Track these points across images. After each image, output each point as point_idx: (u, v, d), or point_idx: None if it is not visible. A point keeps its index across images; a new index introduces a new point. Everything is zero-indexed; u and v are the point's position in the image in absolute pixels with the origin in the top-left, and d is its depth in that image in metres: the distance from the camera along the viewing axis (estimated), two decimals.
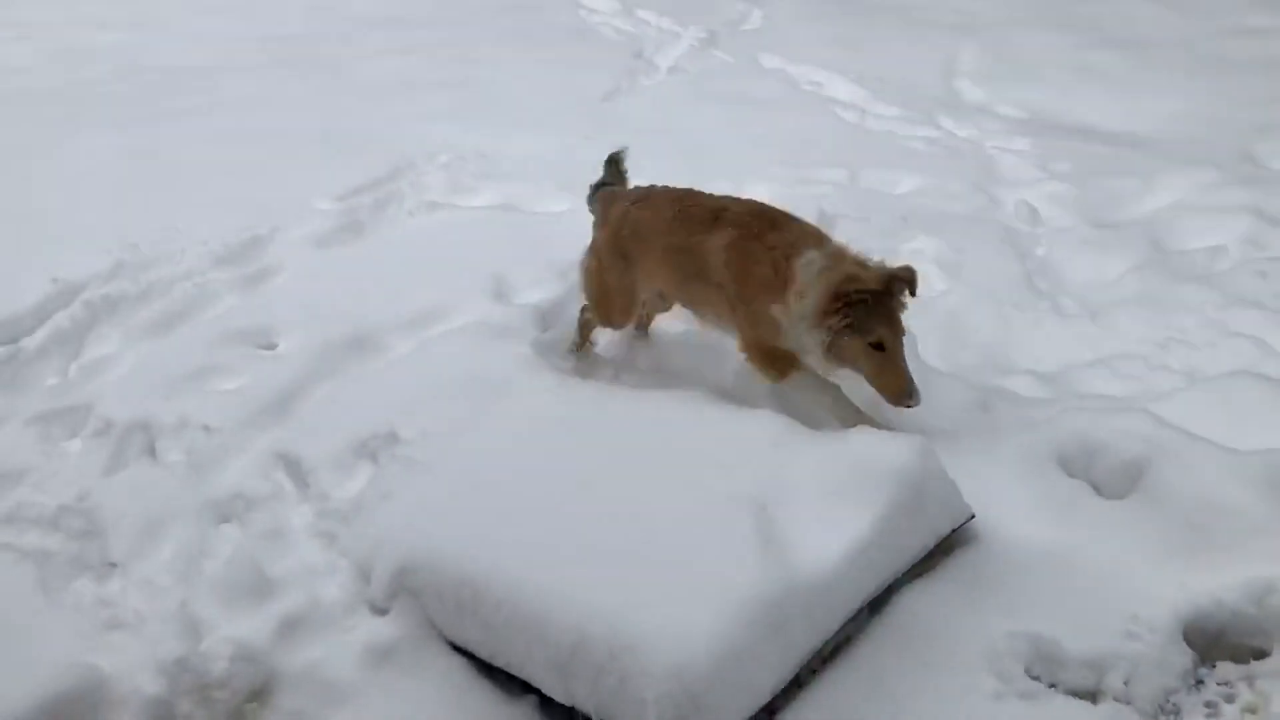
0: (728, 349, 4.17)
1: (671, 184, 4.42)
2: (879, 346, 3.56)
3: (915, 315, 4.79)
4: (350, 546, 3.51)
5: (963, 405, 4.04)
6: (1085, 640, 2.86)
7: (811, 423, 3.55)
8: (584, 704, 2.73)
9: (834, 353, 3.62)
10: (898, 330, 3.62)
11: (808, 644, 2.73)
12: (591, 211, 4.65)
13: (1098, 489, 3.39)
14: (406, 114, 7.94)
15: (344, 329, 4.79)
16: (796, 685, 2.75)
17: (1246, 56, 7.83)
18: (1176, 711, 2.73)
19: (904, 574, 3.02)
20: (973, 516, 3.19)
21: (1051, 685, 2.81)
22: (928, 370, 4.24)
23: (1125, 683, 2.79)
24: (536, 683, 2.86)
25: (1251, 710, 2.74)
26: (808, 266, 3.63)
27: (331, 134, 7.54)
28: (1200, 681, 2.82)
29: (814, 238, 3.82)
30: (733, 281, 3.87)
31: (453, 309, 4.97)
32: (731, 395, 3.99)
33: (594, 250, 4.50)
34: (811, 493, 2.98)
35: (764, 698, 2.61)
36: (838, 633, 2.84)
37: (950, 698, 2.73)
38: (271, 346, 4.86)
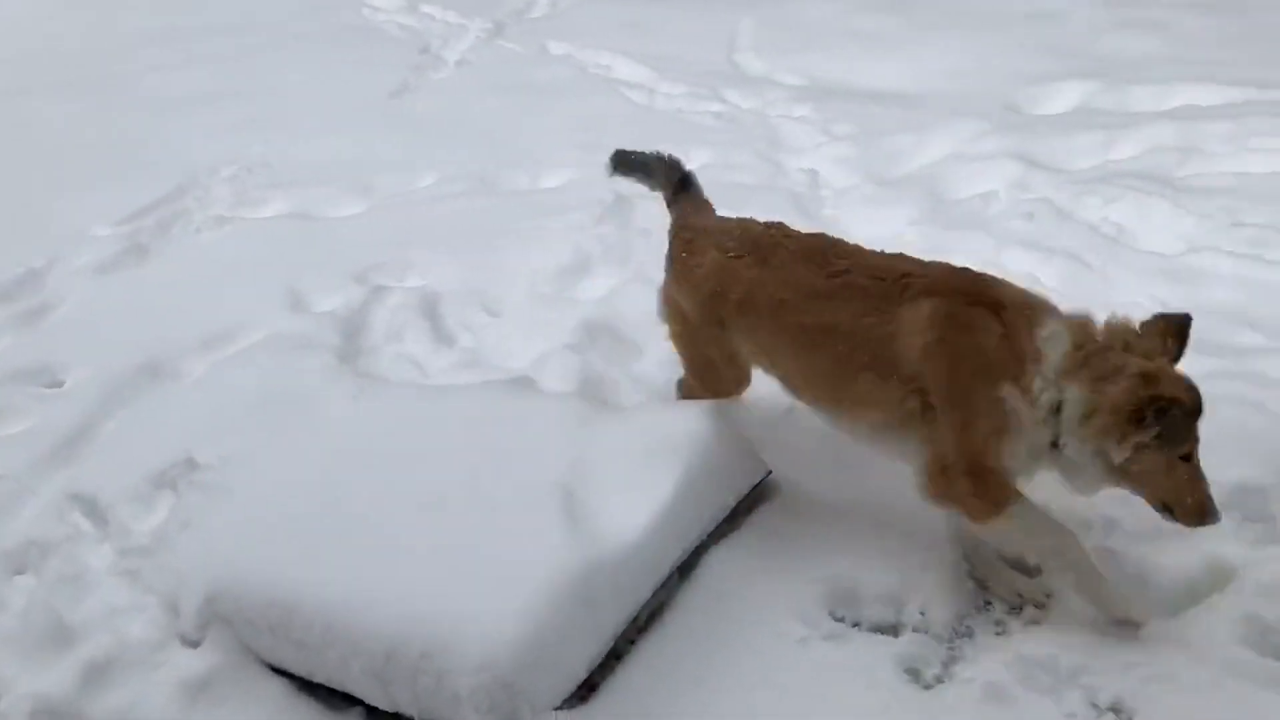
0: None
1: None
2: (1186, 458, 2.73)
3: None
4: (155, 581, 3.40)
5: None
6: (880, 578, 3.02)
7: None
8: (407, 708, 2.73)
9: (1132, 473, 2.74)
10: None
11: (620, 616, 2.79)
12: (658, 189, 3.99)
13: None
14: (188, 128, 7.65)
15: (134, 358, 4.61)
16: (615, 657, 2.82)
17: (1006, 10, 8.28)
18: (970, 633, 2.91)
19: (709, 535, 3.12)
20: (769, 473, 3.31)
21: (855, 624, 2.96)
22: None
23: (922, 613, 2.96)
24: (358, 693, 2.84)
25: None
26: (1051, 341, 2.77)
27: (110, 154, 7.20)
28: (988, 604, 3.01)
29: (1043, 303, 2.91)
30: (941, 371, 2.85)
31: (248, 326, 4.84)
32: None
33: (672, 306, 3.54)
34: (615, 467, 3.04)
35: (580, 675, 2.66)
36: (650, 601, 2.91)
37: (760, 649, 2.84)
38: (58, 384, 4.66)
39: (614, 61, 8.43)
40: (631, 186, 6.07)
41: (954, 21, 8.29)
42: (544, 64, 8.55)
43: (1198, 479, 2.73)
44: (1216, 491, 2.76)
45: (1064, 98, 6.93)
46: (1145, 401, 2.60)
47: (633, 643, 2.87)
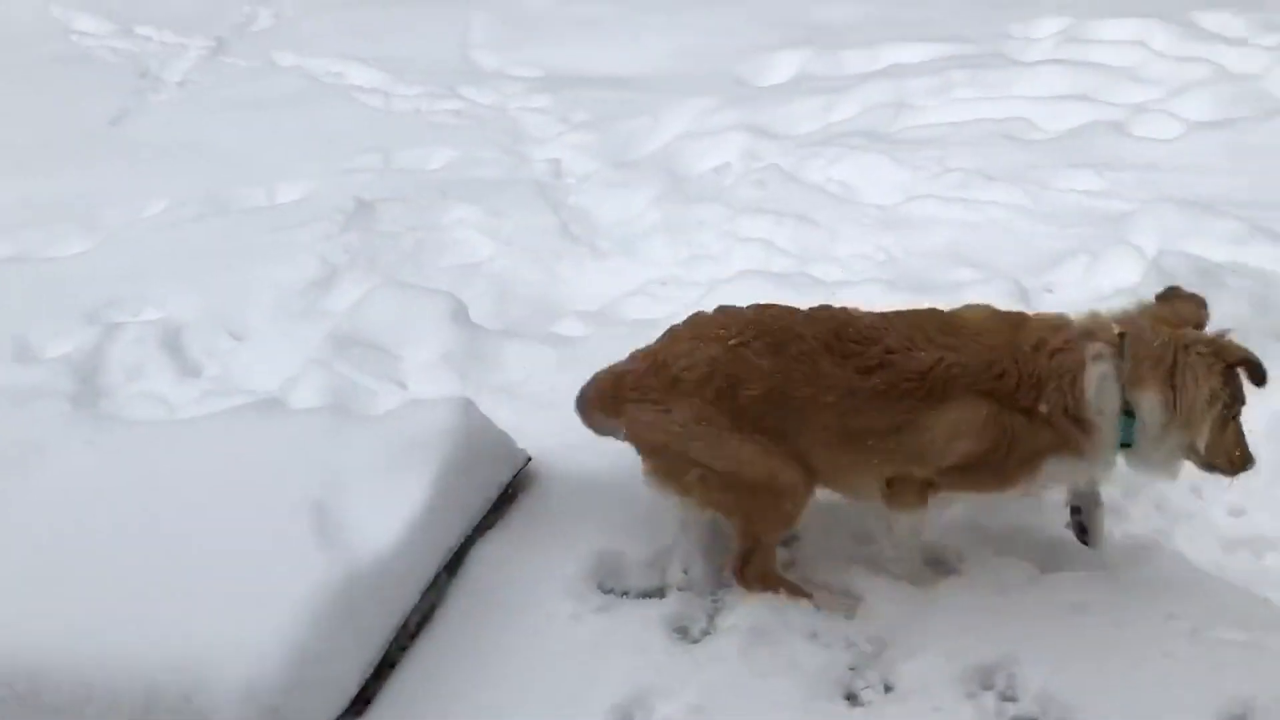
0: None
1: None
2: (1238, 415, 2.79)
3: (463, 282, 4.98)
4: None
5: (519, 358, 4.21)
6: (644, 545, 3.10)
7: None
8: None
9: (1218, 443, 2.74)
10: None
11: (387, 624, 2.76)
12: None
13: None
14: None
15: None
16: (388, 666, 2.79)
17: None
18: (730, 584, 3.03)
19: (475, 530, 3.12)
20: (529, 460, 3.34)
21: (624, 593, 3.03)
22: (485, 334, 4.40)
23: (685, 572, 3.06)
24: None
25: None
26: (1102, 384, 2.70)
27: None
28: None
29: (1073, 346, 2.75)
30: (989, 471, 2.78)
31: None
32: None
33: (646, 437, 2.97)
34: (368, 476, 3.00)
35: (352, 689, 2.62)
36: (419, 604, 2.89)
37: (534, 631, 2.87)
38: None
39: (346, 68, 8.24)
40: (373, 189, 6.03)
41: (681, 4, 8.52)
42: (272, 77, 8.27)
43: (1241, 430, 2.79)
44: None
45: (784, 67, 7.28)
46: (1224, 372, 2.66)
47: (405, 649, 2.85)
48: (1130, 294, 3.90)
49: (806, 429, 2.82)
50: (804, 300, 4.13)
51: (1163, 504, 3.22)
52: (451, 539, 3.02)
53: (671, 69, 7.48)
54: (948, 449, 2.75)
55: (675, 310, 4.56)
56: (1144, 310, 2.87)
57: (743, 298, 4.24)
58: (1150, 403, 2.70)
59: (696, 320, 2.99)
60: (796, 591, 2.92)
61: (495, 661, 2.81)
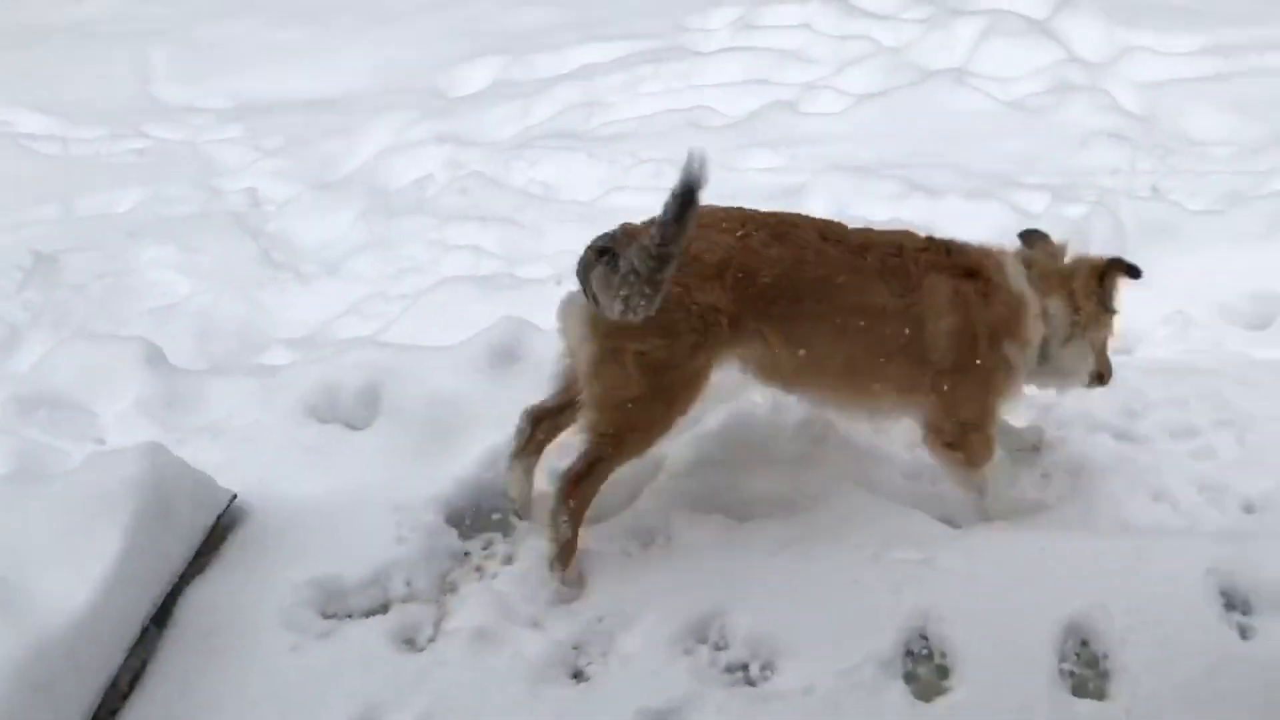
0: None
1: None
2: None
3: (161, 325, 4.76)
4: None
5: (221, 395, 4.07)
6: (363, 564, 3.08)
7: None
8: None
9: (1096, 346, 3.21)
10: None
11: (89, 690, 2.62)
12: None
13: (350, 425, 3.62)
14: None
15: None
16: None
17: (414, 3, 8.55)
18: (454, 588, 3.06)
19: (181, 577, 3.01)
20: (235, 497, 3.25)
21: (347, 615, 3.00)
22: (185, 375, 4.21)
23: (407, 583, 3.05)
24: None
25: None
26: (1025, 283, 3.06)
27: None
28: (467, 554, 3.18)
29: (994, 254, 3.11)
30: (965, 350, 2.97)
31: None
32: None
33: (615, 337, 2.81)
34: (50, 539, 2.83)
35: None
36: (127, 663, 2.76)
37: (255, 670, 2.79)
38: None
39: (14, 116, 7.68)
40: (53, 241, 5.66)
41: (370, 22, 8.42)
42: None
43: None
44: None
45: (480, 75, 7.34)
46: (1104, 264, 3.13)
47: (116, 712, 2.72)
48: None
49: (822, 315, 2.90)
50: (513, 302, 4.23)
51: (848, 444, 3.46)
52: (155, 590, 2.89)
53: (367, 87, 7.41)
54: (939, 332, 2.96)
55: (382, 325, 4.59)
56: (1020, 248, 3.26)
57: (453, 304, 4.34)
58: (1058, 306, 3.12)
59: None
60: (576, 527, 2.93)
61: (215, 706, 2.72)
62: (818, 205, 4.83)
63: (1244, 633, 2.65)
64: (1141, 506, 3.26)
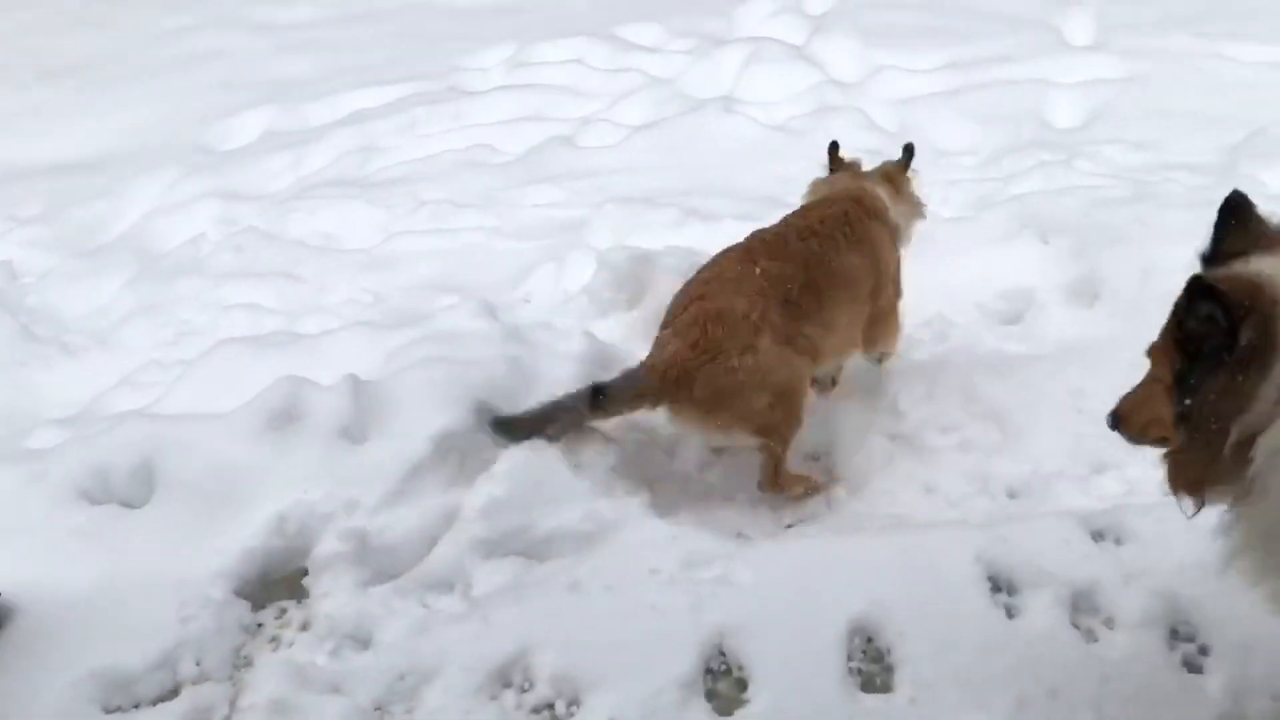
0: None
1: None
2: None
3: None
4: None
5: None
6: (148, 648, 2.93)
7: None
8: None
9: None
10: None
11: None
12: None
13: (126, 504, 3.44)
14: None
15: None
16: None
17: (172, 57, 8.26)
18: (248, 661, 2.95)
19: None
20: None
21: (134, 706, 2.85)
22: None
23: (198, 663, 2.93)
24: None
25: None
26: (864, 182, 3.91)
27: None
28: (260, 625, 3.08)
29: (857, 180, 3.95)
30: (889, 267, 3.82)
31: None
32: None
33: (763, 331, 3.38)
34: None
35: None
36: None
37: None
38: None
39: None
40: None
41: (127, 78, 8.07)
42: None
43: None
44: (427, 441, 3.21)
45: (250, 127, 7.15)
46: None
47: None
48: (588, 290, 4.30)
49: (834, 297, 3.56)
50: (295, 359, 4.12)
51: (640, 469, 3.53)
52: None
53: (129, 146, 7.09)
54: (890, 267, 3.81)
55: (159, 394, 4.38)
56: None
57: (231, 367, 4.18)
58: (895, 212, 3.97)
59: (710, 277, 3.48)
60: (813, 479, 3.57)
61: None
62: (599, 238, 4.93)
63: (1010, 612, 2.83)
64: (915, 501, 3.47)
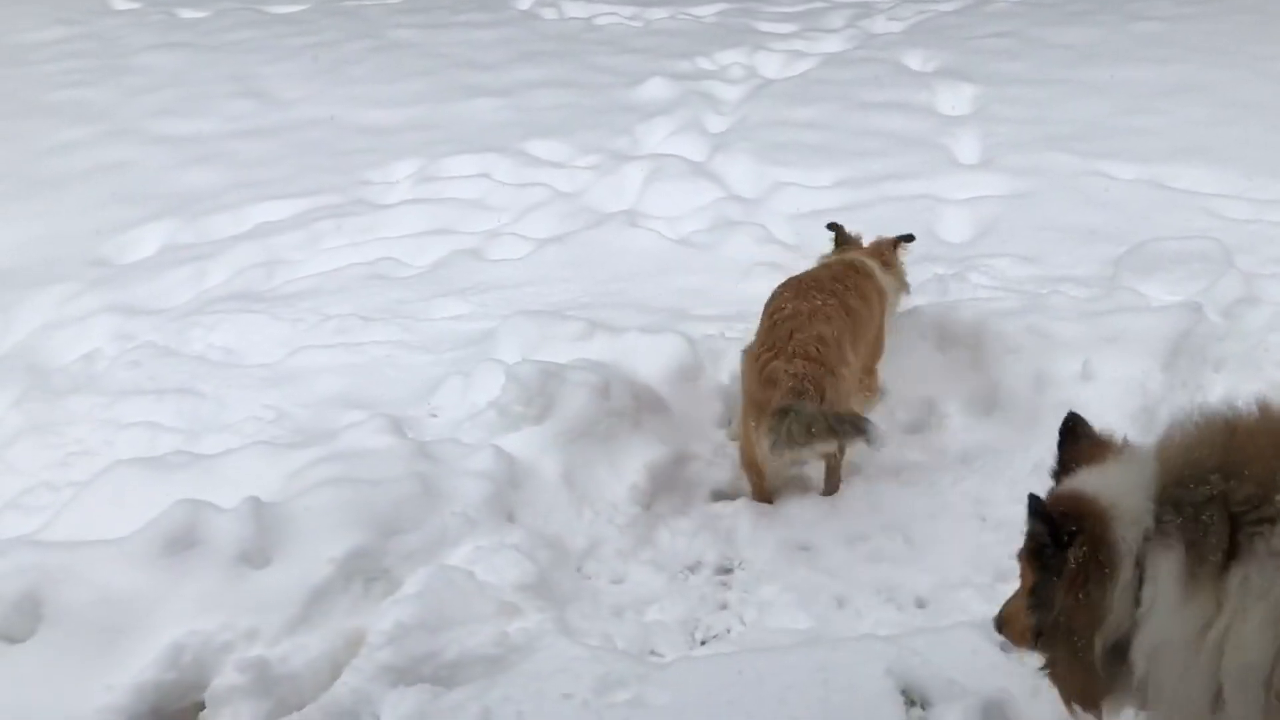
0: None
1: None
2: None
3: None
4: None
5: None
6: None
7: None
8: None
9: None
10: None
11: None
12: None
13: (9, 639, 3.27)
14: None
15: None
16: None
17: (71, 169, 8.07)
18: None
19: None
20: None
21: None
22: None
23: None
24: None
25: None
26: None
27: None
28: None
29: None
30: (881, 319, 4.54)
31: None
32: None
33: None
34: None
35: None
36: None
37: None
38: None
39: None
40: None
41: (21, 190, 7.86)
42: None
43: None
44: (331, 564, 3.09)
45: (150, 241, 7.01)
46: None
47: None
48: (497, 404, 4.28)
49: (856, 335, 4.15)
50: (193, 480, 4.00)
51: (549, 590, 3.48)
52: None
53: (21, 261, 6.86)
54: (879, 322, 4.45)
55: (47, 519, 4.20)
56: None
57: (116, 491, 4.04)
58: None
59: (793, 312, 3.99)
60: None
61: None
62: (507, 351, 4.92)
63: None
64: (827, 613, 3.48)
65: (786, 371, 3.71)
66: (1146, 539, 2.07)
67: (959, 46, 9.72)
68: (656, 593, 3.65)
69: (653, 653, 3.39)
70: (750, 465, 3.98)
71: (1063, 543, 2.12)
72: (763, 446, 3.66)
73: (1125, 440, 2.36)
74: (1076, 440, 2.37)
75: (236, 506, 3.46)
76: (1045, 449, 4.01)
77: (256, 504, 3.50)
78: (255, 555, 3.38)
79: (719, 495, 4.18)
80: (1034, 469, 4.06)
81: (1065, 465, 2.36)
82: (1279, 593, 1.91)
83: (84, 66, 10.32)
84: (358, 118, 8.78)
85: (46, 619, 3.25)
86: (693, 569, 3.76)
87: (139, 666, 3.09)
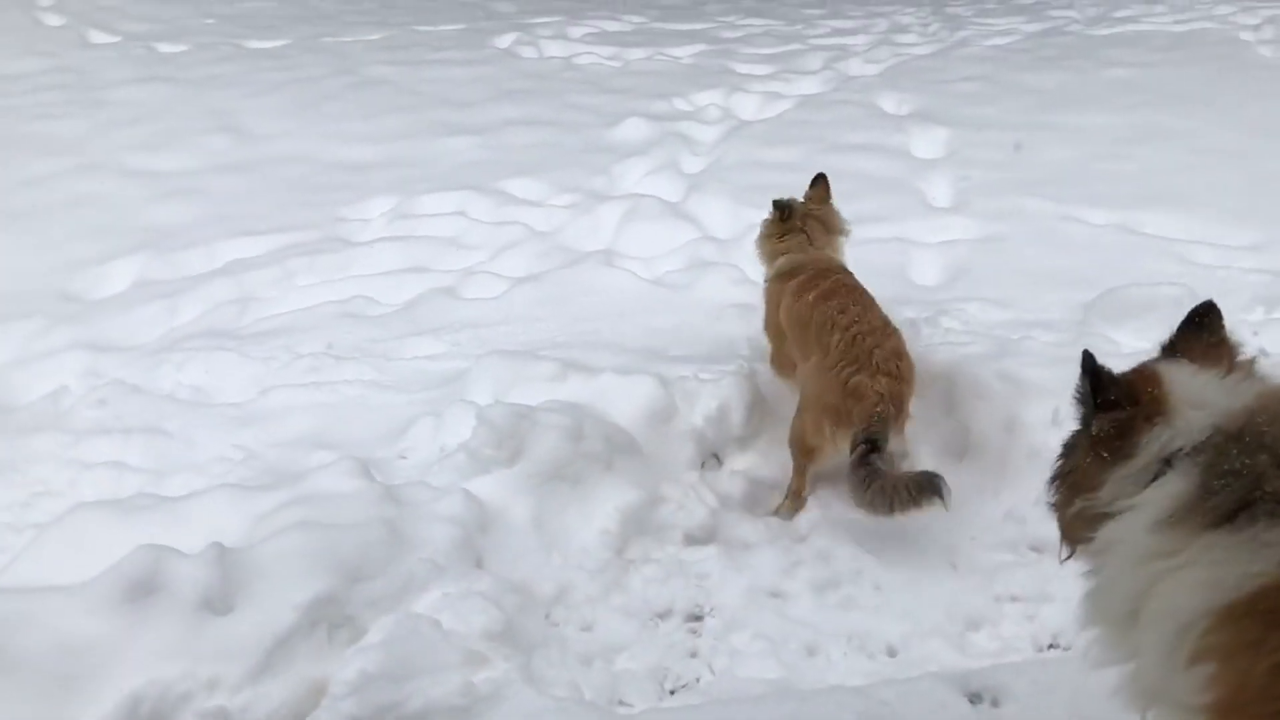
0: None
1: None
2: None
3: None
4: None
5: None
6: None
7: None
8: None
9: None
10: None
11: None
12: None
13: None
14: None
15: None
16: None
17: (44, 202, 8.02)
18: None
19: None
20: None
21: None
22: None
23: None
24: None
25: None
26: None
27: None
28: None
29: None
30: None
31: None
32: None
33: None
34: None
35: None
36: None
37: None
38: None
39: None
40: None
41: None
42: None
43: None
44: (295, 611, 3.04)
45: (120, 276, 6.95)
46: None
47: None
48: (467, 447, 4.25)
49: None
50: (157, 524, 3.94)
51: (516, 638, 3.44)
52: None
53: None
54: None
55: (5, 563, 4.12)
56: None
57: (76, 534, 3.96)
58: None
59: (868, 327, 4.24)
60: None
61: None
62: (480, 392, 4.89)
63: None
64: (797, 662, 3.45)
65: (873, 389, 4.03)
66: (1176, 453, 2.10)
67: (933, 90, 9.83)
68: (626, 640, 3.60)
69: (621, 703, 3.35)
70: (806, 452, 4.30)
71: (1099, 405, 2.19)
72: (833, 448, 4.14)
73: (1246, 359, 2.30)
74: (1199, 331, 2.33)
75: (200, 552, 3.41)
76: (1017, 496, 4.12)
77: (220, 549, 3.44)
78: (218, 601, 3.32)
79: (691, 539, 4.15)
80: (1005, 516, 4.09)
81: (1174, 347, 2.34)
82: (1232, 571, 1.92)
83: (59, 99, 10.29)
84: (334, 154, 8.78)
85: (1, 667, 3.17)
86: (663, 616, 3.73)
87: (96, 716, 3.02)
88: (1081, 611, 2.29)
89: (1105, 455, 2.19)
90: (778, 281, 4.82)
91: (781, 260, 4.89)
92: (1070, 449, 2.35)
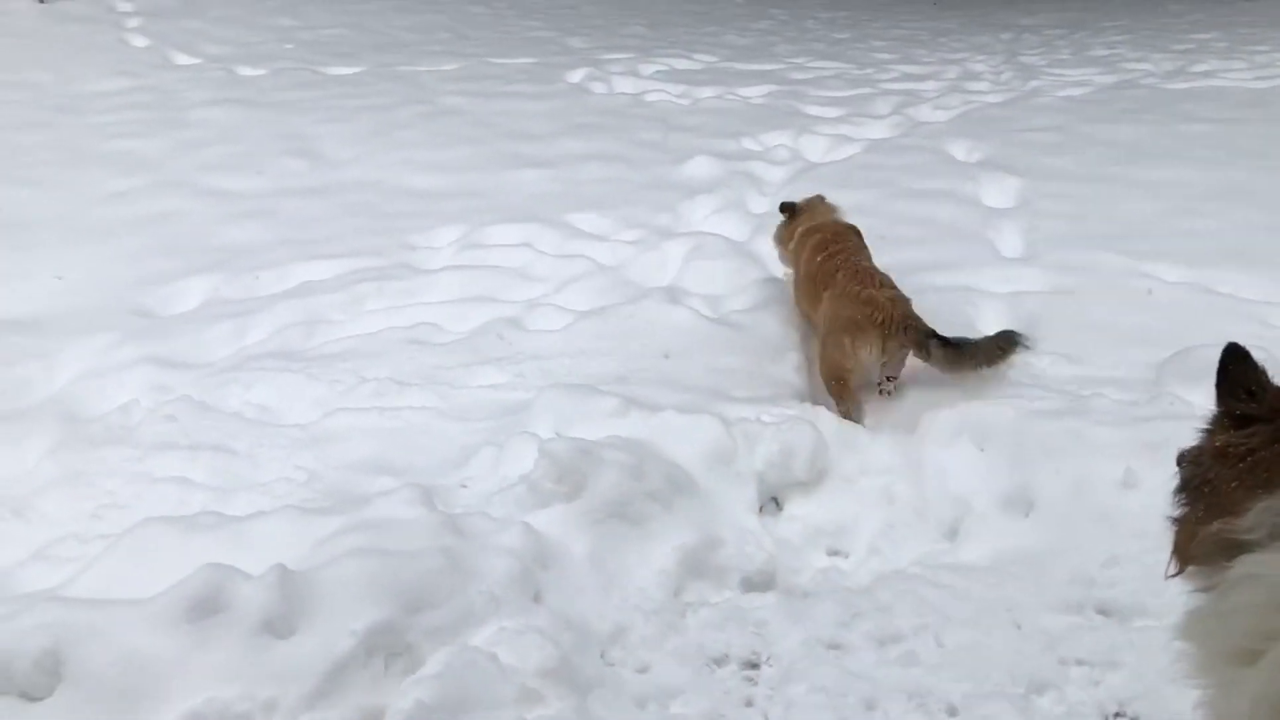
0: None
1: None
2: None
3: None
4: None
5: None
6: None
7: None
8: None
9: None
10: None
11: None
12: None
13: (28, 696, 3.24)
14: None
15: None
16: None
17: (117, 218, 8.22)
18: None
19: None
20: None
21: None
22: None
23: None
24: None
25: None
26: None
27: None
28: None
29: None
30: None
31: None
32: None
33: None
34: None
35: None
36: None
37: None
38: None
39: None
40: None
41: (69, 238, 7.98)
42: None
43: None
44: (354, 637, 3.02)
45: (192, 294, 7.08)
46: None
47: None
48: (528, 480, 4.25)
49: None
50: (221, 543, 3.97)
51: (573, 678, 3.41)
52: None
53: (65, 307, 6.95)
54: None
55: (75, 571, 4.18)
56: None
57: (144, 549, 4.02)
58: None
59: (875, 272, 5.39)
60: None
61: None
62: (541, 424, 4.90)
63: None
64: (855, 717, 3.38)
65: (883, 297, 5.01)
66: None
67: (1005, 139, 9.76)
68: (681, 685, 3.57)
69: None
70: (838, 378, 5.07)
71: (1240, 418, 2.07)
72: (859, 366, 5.03)
73: None
74: None
75: (263, 574, 3.44)
76: (1083, 557, 4.03)
77: (283, 572, 3.47)
78: (279, 624, 3.34)
79: (749, 585, 4.11)
80: (1072, 578, 4.00)
81: None
82: None
83: (140, 118, 10.56)
84: (405, 181, 8.91)
85: (66, 678, 3.22)
86: (719, 661, 3.69)
87: None
88: (1186, 626, 2.12)
89: (1248, 477, 2.01)
90: (798, 248, 5.92)
91: (800, 231, 6.00)
92: (1197, 459, 2.16)
